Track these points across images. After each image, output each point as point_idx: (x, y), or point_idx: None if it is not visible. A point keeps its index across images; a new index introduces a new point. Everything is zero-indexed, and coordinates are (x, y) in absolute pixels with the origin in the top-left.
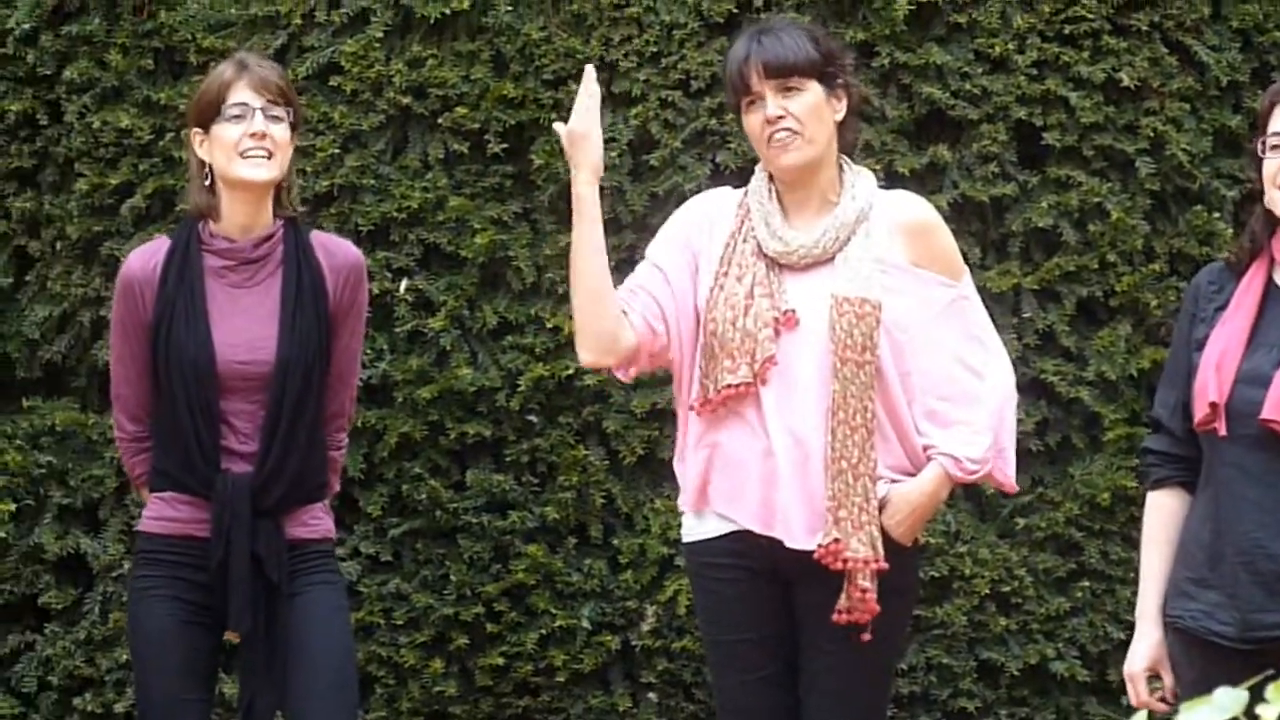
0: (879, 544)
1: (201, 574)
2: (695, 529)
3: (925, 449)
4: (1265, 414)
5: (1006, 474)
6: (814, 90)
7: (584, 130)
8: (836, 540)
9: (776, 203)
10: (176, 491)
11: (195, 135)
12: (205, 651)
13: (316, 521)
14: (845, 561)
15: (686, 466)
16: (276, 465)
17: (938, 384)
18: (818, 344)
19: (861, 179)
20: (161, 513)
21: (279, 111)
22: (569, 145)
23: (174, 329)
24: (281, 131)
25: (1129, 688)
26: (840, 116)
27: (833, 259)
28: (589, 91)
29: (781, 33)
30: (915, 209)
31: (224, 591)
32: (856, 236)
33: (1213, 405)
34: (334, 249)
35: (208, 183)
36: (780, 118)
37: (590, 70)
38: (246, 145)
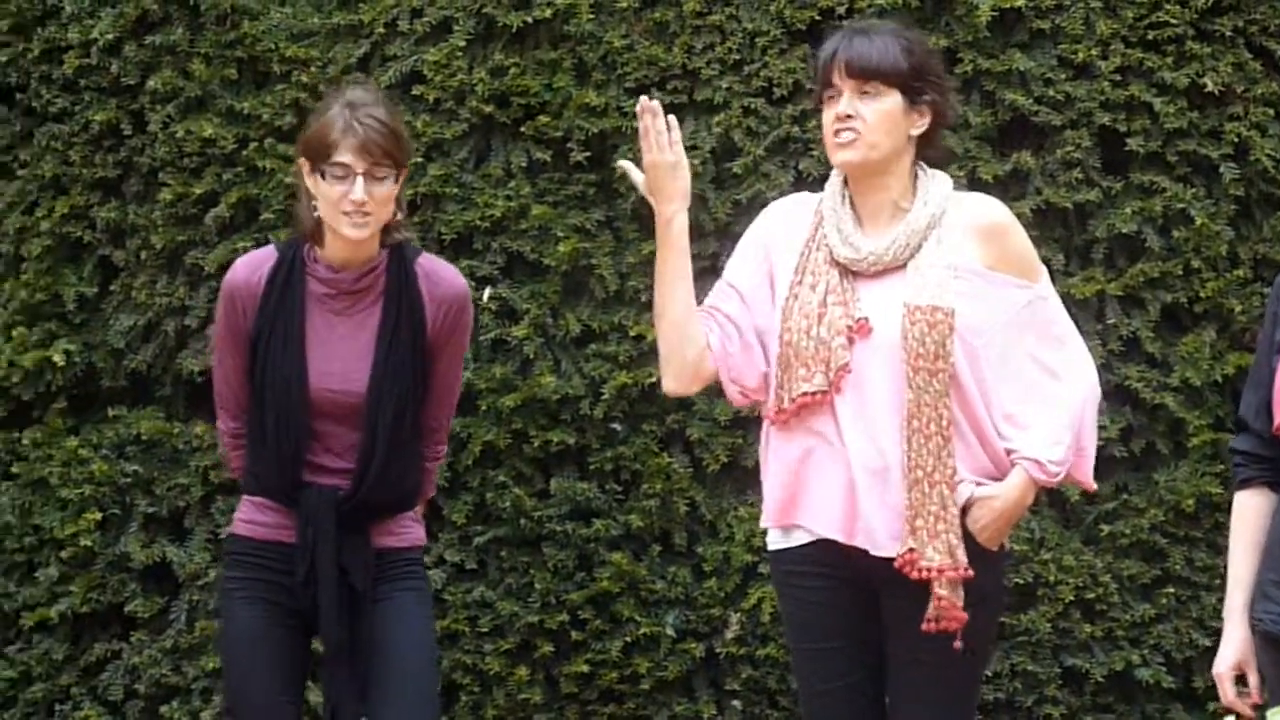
0: (958, 551)
1: (288, 578)
2: (780, 538)
3: (1008, 452)
4: None
5: (1085, 473)
6: (892, 99)
7: (672, 160)
8: (912, 550)
9: (850, 209)
10: (265, 497)
11: (304, 164)
12: (293, 653)
13: (405, 530)
14: (923, 571)
15: (768, 478)
16: (372, 486)
17: (1015, 387)
18: (891, 352)
19: (936, 184)
20: (252, 516)
21: (383, 173)
22: (654, 178)
23: (271, 347)
24: (384, 189)
25: (1218, 687)
26: (919, 131)
27: (904, 266)
28: (658, 128)
29: (876, 36)
30: (988, 212)
31: (312, 602)
32: (928, 243)
33: None
34: (437, 279)
35: (315, 212)
36: (849, 116)
37: (648, 103)
38: (347, 207)
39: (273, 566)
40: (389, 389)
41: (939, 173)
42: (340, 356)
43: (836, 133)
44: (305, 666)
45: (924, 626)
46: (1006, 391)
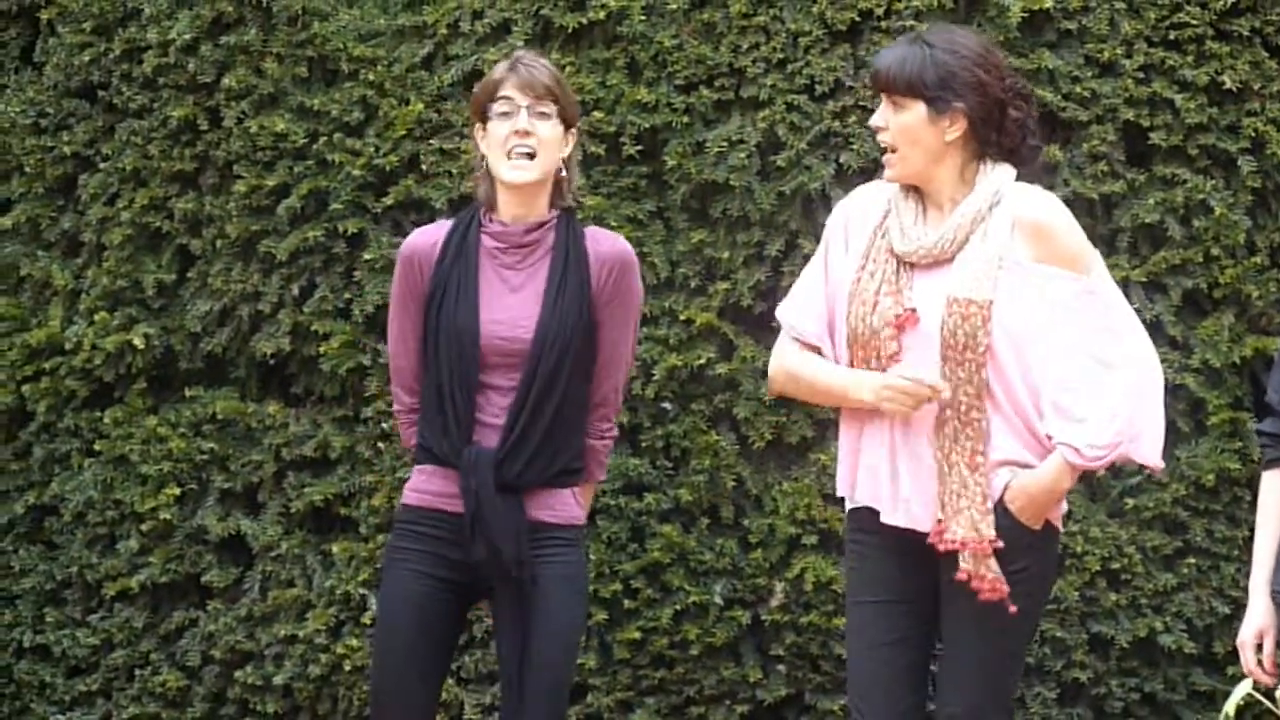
0: (982, 525)
1: (448, 548)
2: (843, 493)
3: (1049, 437)
4: None
5: (1145, 455)
6: (915, 111)
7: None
8: (940, 522)
9: (915, 201)
10: (434, 464)
11: (477, 130)
12: (444, 623)
13: (562, 507)
14: (948, 544)
15: (841, 441)
16: (520, 438)
17: (1063, 377)
18: (935, 341)
19: (990, 179)
20: (419, 485)
21: (546, 108)
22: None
23: (446, 301)
24: (548, 129)
25: (1240, 655)
26: (953, 136)
27: (953, 259)
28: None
29: (909, 47)
30: (1036, 208)
31: (488, 550)
32: (974, 236)
33: None
34: (602, 240)
35: (487, 178)
36: (881, 128)
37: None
38: (513, 143)
39: (435, 535)
40: (553, 338)
41: (1001, 166)
42: (509, 306)
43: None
44: (452, 641)
45: (974, 590)
46: (1055, 380)
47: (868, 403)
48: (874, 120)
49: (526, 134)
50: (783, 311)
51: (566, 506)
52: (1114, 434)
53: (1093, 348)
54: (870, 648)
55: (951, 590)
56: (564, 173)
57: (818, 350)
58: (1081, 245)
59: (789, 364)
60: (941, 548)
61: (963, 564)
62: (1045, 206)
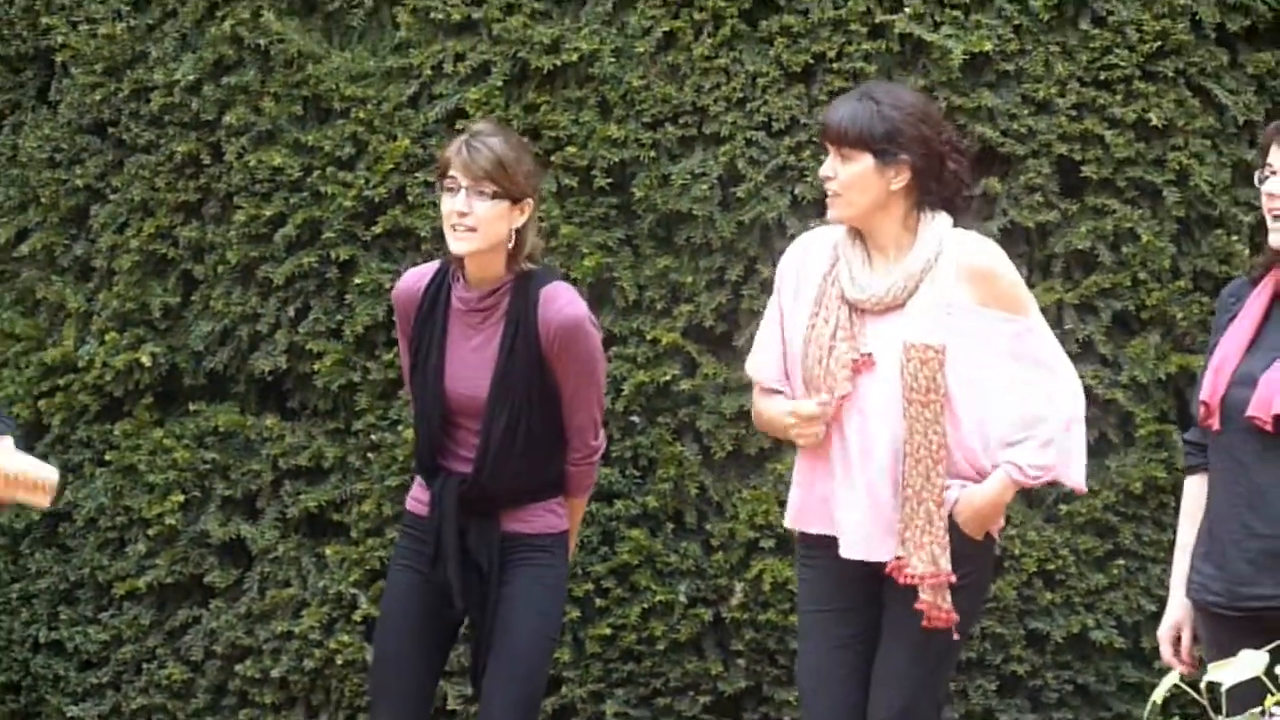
0: (941, 560)
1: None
2: (793, 517)
3: (993, 465)
4: (1250, 411)
5: (1073, 478)
6: (863, 162)
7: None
8: (900, 558)
9: (860, 248)
10: (422, 476)
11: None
12: (435, 618)
13: (535, 518)
14: (908, 577)
15: (796, 469)
16: (486, 480)
17: (1006, 409)
18: (890, 384)
19: (932, 229)
20: (415, 494)
21: (484, 188)
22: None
23: (422, 350)
24: (485, 208)
25: (1160, 649)
26: (898, 186)
27: (904, 305)
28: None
29: (857, 103)
30: (978, 255)
31: (443, 582)
32: (924, 284)
33: (1204, 404)
34: (551, 306)
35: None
36: (829, 178)
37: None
38: (453, 220)
39: (423, 538)
40: (504, 397)
41: (940, 215)
42: (470, 364)
43: (827, 191)
44: (445, 632)
45: (923, 624)
46: (999, 413)
47: (787, 435)
48: (823, 171)
49: (463, 214)
50: (748, 363)
51: (539, 517)
52: (1050, 458)
53: (1031, 382)
54: (818, 651)
55: (891, 597)
56: (512, 243)
57: (780, 393)
58: (1018, 287)
59: (756, 407)
60: (901, 581)
61: (922, 595)
62: (987, 253)
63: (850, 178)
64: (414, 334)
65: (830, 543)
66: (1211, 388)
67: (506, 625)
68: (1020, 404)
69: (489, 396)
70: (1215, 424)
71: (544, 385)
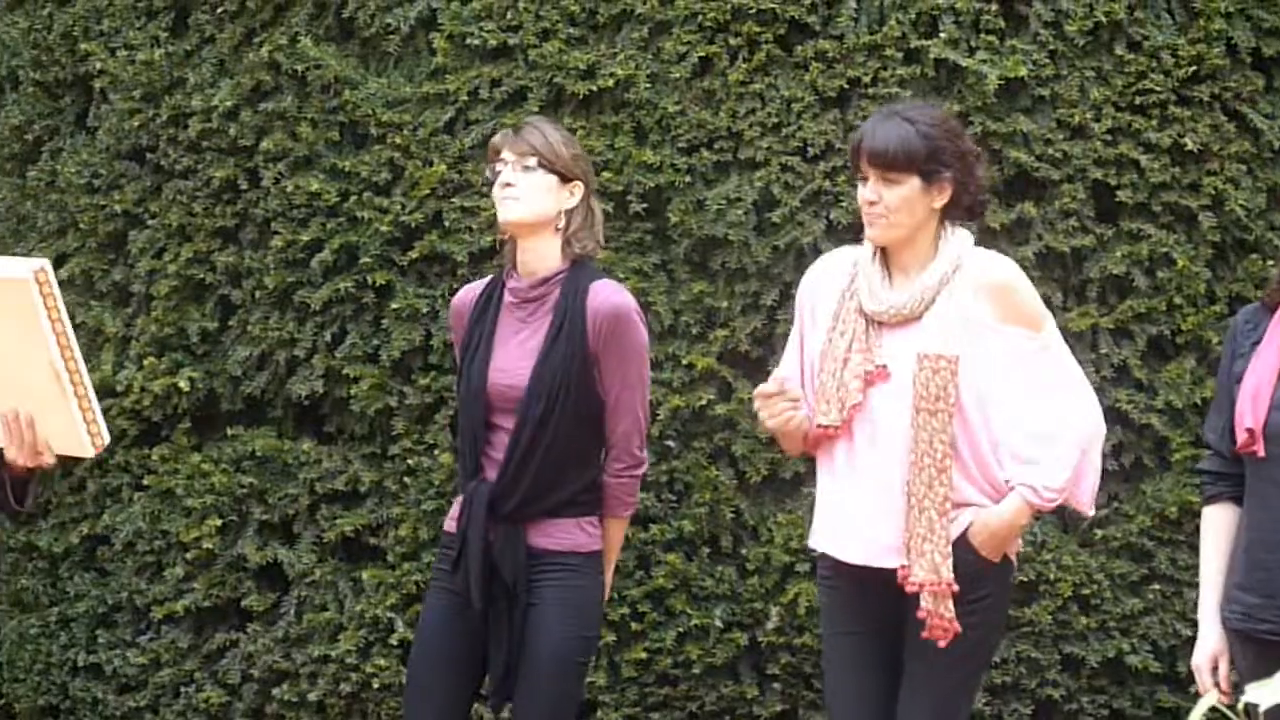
0: (942, 569)
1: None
2: (813, 536)
3: (1006, 481)
4: None
5: (1081, 500)
6: (910, 184)
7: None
8: (904, 565)
9: (880, 265)
10: (461, 493)
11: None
12: (466, 639)
13: (564, 535)
14: (912, 585)
15: (817, 490)
16: (514, 476)
17: (1021, 426)
18: (903, 394)
19: (952, 244)
20: (453, 513)
21: (529, 162)
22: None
23: (470, 350)
24: (530, 178)
25: (1196, 678)
26: (940, 204)
27: (920, 318)
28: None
29: (896, 124)
30: (997, 271)
31: (463, 583)
32: (941, 297)
33: (1249, 431)
34: (600, 294)
35: (504, 235)
36: (874, 202)
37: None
38: (500, 192)
39: (454, 551)
40: (544, 384)
41: (961, 231)
42: (514, 355)
43: (866, 214)
44: (479, 654)
45: (922, 634)
46: (1014, 430)
47: (768, 425)
48: (865, 195)
49: (509, 184)
50: None
51: (568, 534)
52: (1064, 480)
53: (1047, 400)
54: (845, 672)
55: (913, 623)
56: (562, 224)
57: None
58: (1036, 304)
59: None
60: (908, 589)
61: (923, 603)
62: (1005, 269)
63: (898, 201)
64: (467, 336)
65: (833, 560)
66: (1254, 415)
67: (532, 651)
68: (1035, 419)
69: (529, 381)
70: (1260, 450)
71: (584, 379)
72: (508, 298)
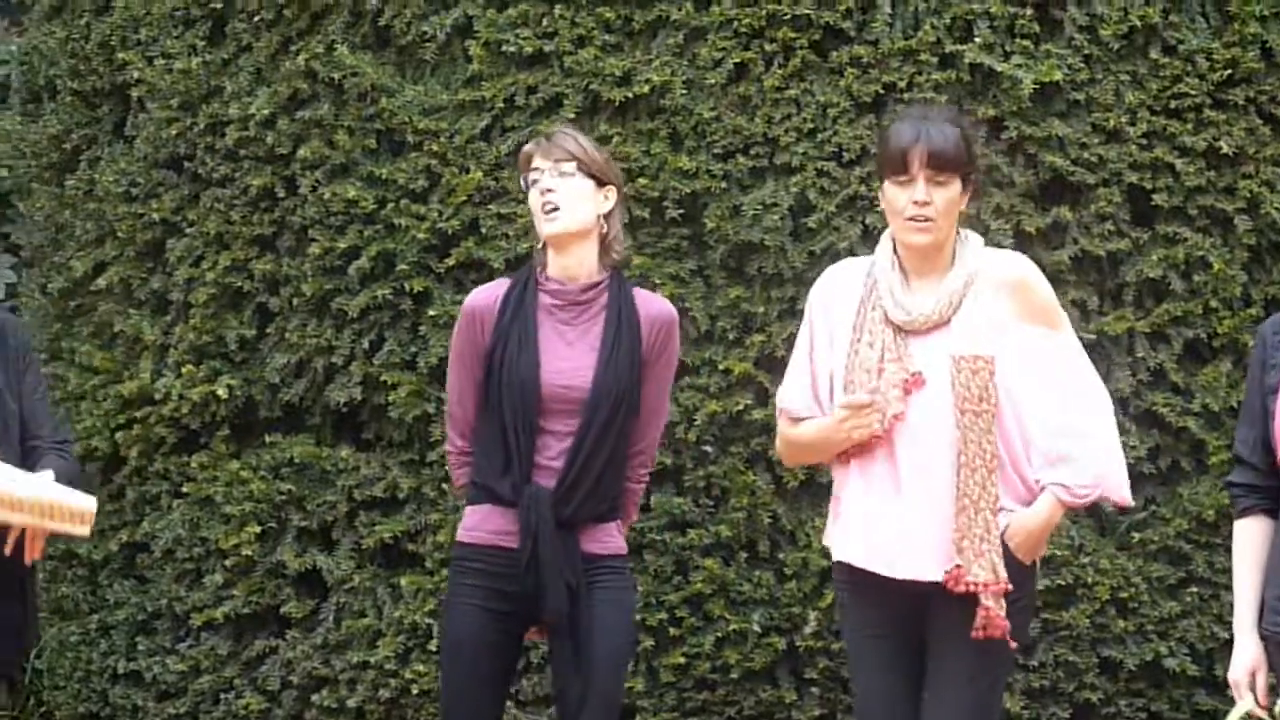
0: (999, 569)
1: (505, 581)
2: (835, 548)
3: (1036, 481)
4: None
5: (1121, 493)
6: (954, 186)
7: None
8: (959, 567)
9: (899, 272)
10: (491, 504)
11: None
12: (503, 651)
13: (609, 539)
14: (968, 585)
15: (835, 500)
16: (577, 478)
17: (1049, 423)
18: (942, 398)
19: (969, 247)
20: (476, 524)
21: (566, 168)
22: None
23: (507, 354)
24: (570, 184)
25: (1234, 691)
26: (964, 206)
27: (949, 322)
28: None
29: (945, 127)
30: (1015, 268)
31: (536, 586)
32: (967, 300)
33: None
34: (651, 302)
35: (539, 242)
36: (927, 204)
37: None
38: (541, 203)
39: (492, 570)
40: (610, 386)
41: (971, 234)
42: (567, 357)
43: (913, 217)
44: (511, 666)
45: (973, 634)
46: (1042, 427)
47: (839, 438)
48: (915, 196)
49: (549, 190)
50: (779, 395)
51: (612, 538)
52: (1094, 476)
53: (1070, 398)
54: (876, 673)
55: (939, 629)
56: (604, 229)
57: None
58: (1053, 299)
59: (783, 435)
60: (959, 590)
61: (984, 602)
62: (1023, 266)
63: (947, 203)
64: (494, 339)
65: (867, 571)
66: None
67: (589, 653)
68: (1061, 416)
69: (594, 384)
70: None
71: (637, 384)
72: (546, 300)
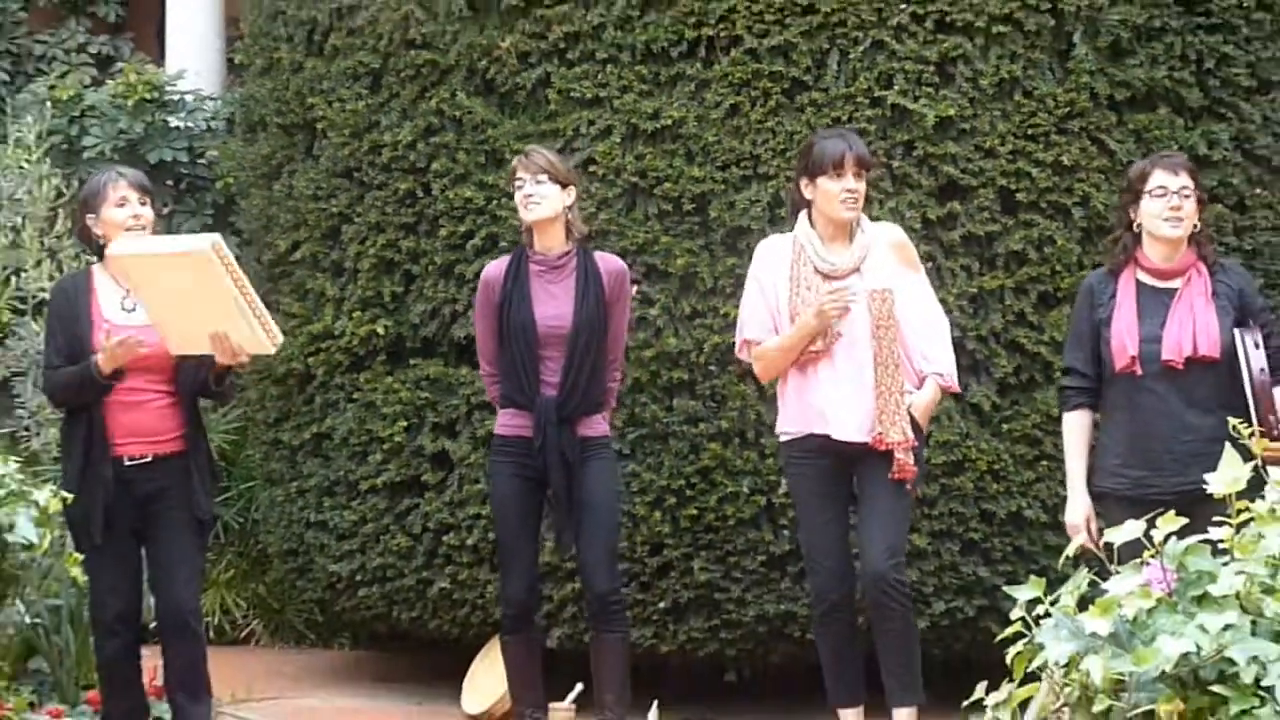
0: (908, 431)
1: (526, 458)
2: (788, 430)
3: (919, 372)
4: (1164, 356)
5: (955, 383)
6: (864, 179)
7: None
8: (879, 433)
9: (818, 238)
10: (514, 409)
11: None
12: (533, 505)
13: (597, 425)
14: (888, 444)
15: (785, 400)
16: (571, 390)
17: (921, 333)
18: (862, 319)
19: (863, 221)
20: (506, 422)
21: (541, 178)
22: (822, 326)
23: (513, 306)
24: (543, 189)
25: (1069, 532)
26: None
27: (859, 268)
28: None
29: (860, 141)
30: (895, 233)
31: (544, 467)
32: (870, 254)
33: (1132, 357)
34: (607, 259)
35: (525, 227)
36: (855, 190)
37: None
38: (525, 200)
39: (518, 451)
40: (585, 325)
41: (860, 214)
42: (554, 305)
43: (844, 200)
44: (540, 513)
45: (891, 476)
46: (918, 336)
47: (815, 324)
48: (846, 186)
49: (530, 195)
50: (745, 332)
51: (599, 425)
52: (950, 368)
53: (929, 317)
54: (814, 525)
55: (867, 476)
56: (568, 215)
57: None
58: (915, 252)
59: (757, 355)
60: (882, 448)
61: (897, 455)
62: (898, 231)
63: (864, 189)
64: (501, 296)
65: (814, 441)
66: (1133, 346)
67: (591, 501)
68: (929, 328)
69: (573, 323)
70: (1139, 370)
71: (604, 320)
72: (534, 268)
